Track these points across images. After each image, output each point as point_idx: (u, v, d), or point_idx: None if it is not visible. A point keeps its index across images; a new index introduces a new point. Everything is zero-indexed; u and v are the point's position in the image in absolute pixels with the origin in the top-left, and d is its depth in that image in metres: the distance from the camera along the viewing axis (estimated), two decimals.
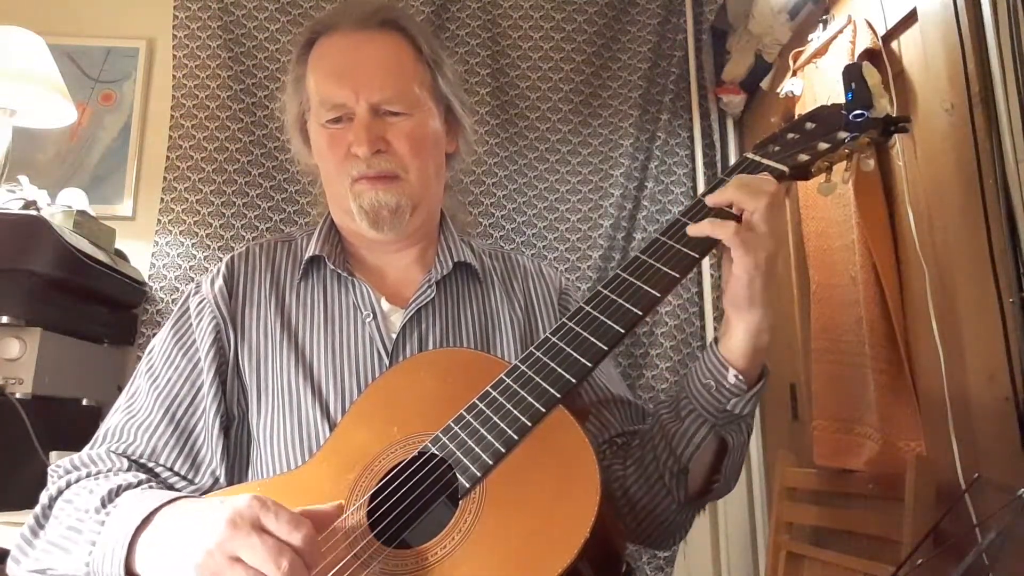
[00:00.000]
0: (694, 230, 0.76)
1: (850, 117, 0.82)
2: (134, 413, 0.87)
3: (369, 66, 0.92)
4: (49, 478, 0.82)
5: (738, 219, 0.75)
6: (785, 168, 0.81)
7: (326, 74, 0.93)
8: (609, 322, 0.73)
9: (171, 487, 0.83)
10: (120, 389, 0.92)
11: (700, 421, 0.79)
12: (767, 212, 0.73)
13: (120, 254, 1.96)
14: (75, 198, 1.86)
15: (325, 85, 0.92)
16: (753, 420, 0.81)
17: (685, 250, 0.76)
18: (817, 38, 1.68)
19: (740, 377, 0.76)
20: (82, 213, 1.78)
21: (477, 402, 0.72)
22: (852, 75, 0.84)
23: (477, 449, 0.68)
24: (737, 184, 0.77)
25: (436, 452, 0.70)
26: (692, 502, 0.85)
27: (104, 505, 0.73)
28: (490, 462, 0.67)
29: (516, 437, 0.68)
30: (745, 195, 0.75)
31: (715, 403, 0.77)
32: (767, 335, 0.76)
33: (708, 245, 0.75)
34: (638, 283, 0.75)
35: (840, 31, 1.57)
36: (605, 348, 0.72)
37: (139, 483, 0.78)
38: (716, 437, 0.79)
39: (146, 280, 2.06)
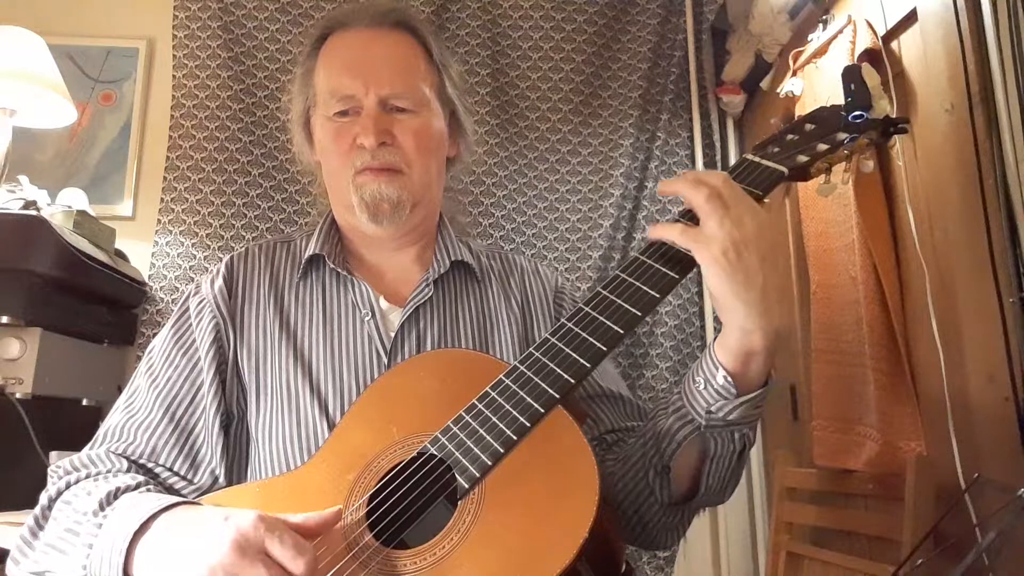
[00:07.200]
0: (653, 232, 0.76)
1: (849, 118, 0.82)
2: (134, 413, 0.87)
3: (380, 61, 0.94)
4: (49, 479, 0.82)
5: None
6: (784, 169, 0.81)
7: (337, 67, 0.95)
8: (608, 323, 0.73)
9: (170, 487, 0.83)
10: (120, 389, 0.92)
11: (687, 419, 0.76)
12: (708, 204, 0.71)
13: (120, 254, 1.96)
14: (75, 198, 1.86)
15: (335, 77, 0.94)
16: (753, 432, 0.77)
17: (684, 251, 0.76)
18: (817, 38, 1.68)
19: (729, 379, 0.72)
20: (82, 213, 1.78)
21: (476, 403, 0.72)
22: (851, 76, 0.84)
23: (476, 450, 0.68)
24: (684, 176, 0.76)
25: (435, 453, 0.70)
26: (677, 506, 0.83)
27: (102, 508, 0.73)
28: (489, 463, 0.67)
29: (515, 438, 0.67)
30: (688, 186, 0.73)
31: (702, 402, 0.75)
32: (759, 336, 0.70)
33: None
34: (637, 284, 0.75)
35: (840, 31, 1.57)
36: (604, 349, 0.72)
37: (137, 485, 0.78)
38: (700, 439, 0.77)
39: (146, 280, 2.06)
